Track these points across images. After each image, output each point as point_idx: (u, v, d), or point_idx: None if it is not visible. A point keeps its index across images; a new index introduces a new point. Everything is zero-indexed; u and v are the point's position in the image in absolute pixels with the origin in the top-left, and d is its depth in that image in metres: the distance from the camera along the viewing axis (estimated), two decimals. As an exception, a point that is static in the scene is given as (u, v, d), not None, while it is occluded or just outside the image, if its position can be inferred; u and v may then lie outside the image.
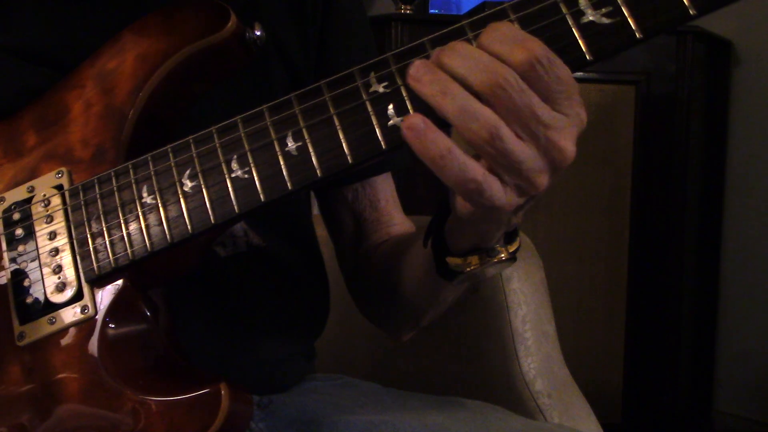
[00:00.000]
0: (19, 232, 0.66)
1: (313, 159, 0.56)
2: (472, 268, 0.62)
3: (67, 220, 0.64)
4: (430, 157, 0.50)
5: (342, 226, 0.90)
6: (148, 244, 0.61)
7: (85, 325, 0.62)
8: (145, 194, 0.62)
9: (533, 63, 0.48)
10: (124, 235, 0.62)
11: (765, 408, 2.37)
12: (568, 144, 0.50)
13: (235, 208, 0.59)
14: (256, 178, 0.58)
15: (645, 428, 2.28)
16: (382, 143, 0.55)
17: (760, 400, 2.37)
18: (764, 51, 2.36)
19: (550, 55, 0.49)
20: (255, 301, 0.83)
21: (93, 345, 0.61)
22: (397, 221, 0.89)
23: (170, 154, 0.62)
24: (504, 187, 0.51)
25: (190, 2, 0.67)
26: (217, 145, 0.60)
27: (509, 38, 0.49)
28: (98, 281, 0.63)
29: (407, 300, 0.78)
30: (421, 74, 0.50)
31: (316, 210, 0.97)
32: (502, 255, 0.62)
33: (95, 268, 0.62)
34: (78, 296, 0.62)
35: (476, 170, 0.50)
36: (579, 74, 0.52)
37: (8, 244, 0.66)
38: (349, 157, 0.56)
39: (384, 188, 0.90)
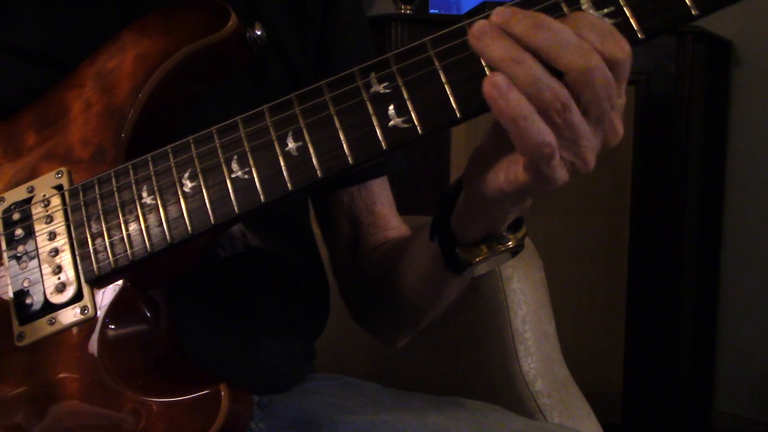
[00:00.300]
0: (18, 232, 0.65)
1: (314, 159, 0.56)
2: (482, 257, 0.62)
3: (66, 220, 0.64)
4: (513, 117, 0.49)
5: (337, 230, 0.90)
6: (148, 245, 0.61)
7: (85, 325, 0.62)
8: (145, 194, 0.62)
9: (626, 61, 0.50)
10: (124, 235, 0.62)
11: (765, 408, 2.37)
12: (621, 125, 0.53)
13: (235, 208, 0.59)
14: (256, 179, 0.58)
15: (645, 428, 2.28)
16: (383, 144, 0.55)
17: (760, 400, 2.37)
18: (764, 51, 2.36)
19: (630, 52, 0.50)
20: (255, 302, 0.83)
21: (93, 345, 0.61)
22: (393, 225, 0.89)
23: (170, 155, 0.61)
24: (563, 163, 0.52)
25: (190, 2, 0.67)
26: (218, 145, 0.60)
27: (603, 30, 0.49)
28: (98, 282, 0.62)
29: (407, 301, 0.78)
30: (488, 37, 0.50)
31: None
32: (510, 243, 0.62)
33: (95, 268, 0.62)
34: (78, 297, 0.62)
35: (551, 136, 0.50)
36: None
37: (8, 244, 0.65)
38: (349, 158, 0.55)
39: (381, 192, 0.90)
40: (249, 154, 0.58)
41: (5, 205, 0.67)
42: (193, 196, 0.60)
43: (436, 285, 0.72)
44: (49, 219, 0.65)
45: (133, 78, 0.66)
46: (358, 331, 0.96)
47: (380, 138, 0.55)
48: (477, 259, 0.63)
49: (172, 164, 0.61)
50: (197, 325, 0.76)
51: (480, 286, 1.04)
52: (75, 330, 0.62)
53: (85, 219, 0.63)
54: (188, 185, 0.60)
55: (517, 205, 0.58)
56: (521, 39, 0.50)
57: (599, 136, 0.52)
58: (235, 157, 0.59)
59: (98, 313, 0.62)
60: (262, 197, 0.58)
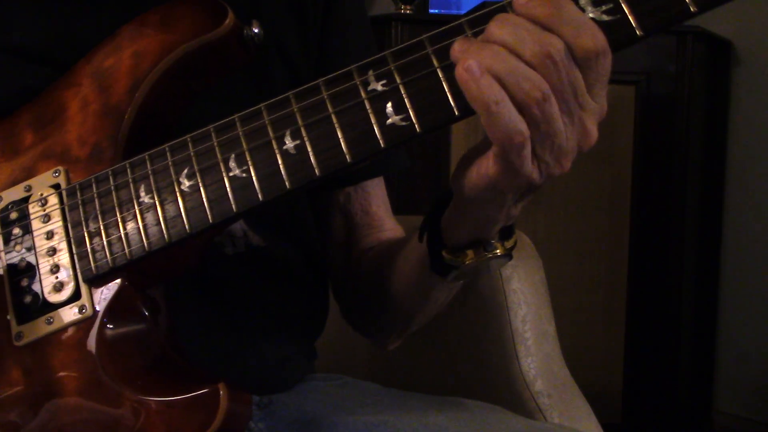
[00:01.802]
0: (16, 231, 0.65)
1: (312, 158, 0.56)
2: (468, 262, 0.62)
3: (64, 219, 0.64)
4: (485, 103, 0.50)
5: (332, 230, 0.90)
6: (145, 244, 0.61)
7: (83, 324, 0.61)
8: (142, 193, 0.62)
9: (598, 53, 0.50)
10: (122, 234, 0.62)
11: (765, 408, 2.36)
12: (594, 129, 0.52)
13: (233, 207, 0.58)
14: (254, 177, 0.58)
15: (645, 428, 2.27)
16: (381, 142, 0.55)
17: (760, 400, 2.37)
18: (764, 51, 2.36)
19: (607, 47, 0.50)
20: (255, 301, 0.82)
21: (91, 345, 0.61)
22: (387, 227, 0.89)
23: (168, 153, 0.61)
24: (534, 159, 0.52)
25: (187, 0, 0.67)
26: (215, 143, 0.60)
27: (576, 21, 0.50)
28: (96, 281, 0.62)
29: (397, 303, 0.78)
30: (466, 46, 0.51)
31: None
32: (498, 251, 0.62)
33: (93, 267, 0.62)
34: (76, 296, 0.62)
35: (524, 125, 0.50)
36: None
37: (5, 243, 0.65)
38: (347, 156, 0.55)
39: (376, 193, 0.90)
40: (247, 152, 0.58)
41: (2, 204, 0.66)
42: (191, 195, 0.60)
43: (423, 288, 0.72)
44: (47, 218, 0.64)
45: (131, 76, 0.66)
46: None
47: (378, 136, 0.55)
48: (463, 264, 0.63)
49: (170, 163, 0.61)
50: (196, 325, 0.76)
51: (480, 286, 1.03)
52: (73, 329, 0.62)
53: (82, 218, 0.63)
54: (186, 184, 0.60)
55: (496, 205, 0.58)
56: (498, 39, 0.50)
57: (573, 138, 0.52)
58: (233, 155, 0.59)
59: (96, 312, 0.61)
60: (260, 196, 0.58)
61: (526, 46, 0.49)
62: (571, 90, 0.50)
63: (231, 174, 0.59)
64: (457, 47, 0.51)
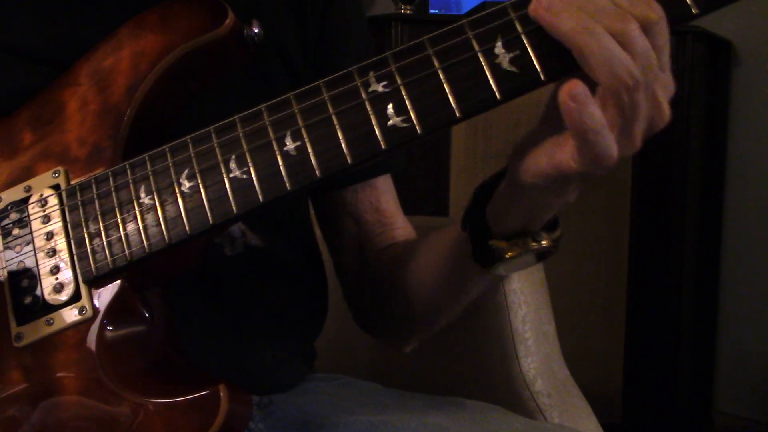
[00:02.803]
0: (16, 232, 0.65)
1: (312, 159, 0.56)
2: (514, 252, 0.61)
3: (64, 220, 0.64)
4: (584, 131, 0.48)
5: (341, 231, 0.89)
6: (146, 245, 0.61)
7: (83, 326, 0.61)
8: (142, 194, 0.61)
9: (660, 23, 0.48)
10: (122, 235, 0.61)
11: (765, 408, 2.36)
12: (667, 105, 0.51)
13: (234, 208, 0.58)
14: (254, 179, 0.58)
15: (645, 428, 2.28)
16: (382, 143, 0.54)
17: (760, 400, 2.37)
18: (764, 51, 2.36)
19: (663, 13, 0.49)
20: (254, 302, 0.82)
21: (91, 346, 0.61)
22: (399, 224, 0.88)
23: (168, 154, 0.61)
24: (616, 140, 0.50)
25: None
26: (216, 144, 0.59)
27: None
28: (96, 282, 0.62)
29: (425, 301, 0.76)
30: (558, 7, 0.48)
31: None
32: (545, 242, 0.61)
33: (93, 268, 0.62)
34: (76, 297, 0.62)
35: (608, 117, 0.49)
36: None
37: (5, 244, 0.65)
38: (348, 157, 0.55)
39: (386, 189, 0.88)
40: (247, 153, 0.58)
41: (2, 204, 0.66)
42: (191, 196, 0.60)
43: (459, 282, 0.70)
44: (47, 219, 0.64)
45: (130, 76, 0.66)
46: (358, 331, 0.96)
47: (379, 137, 0.54)
48: (509, 254, 0.61)
49: (170, 164, 0.61)
50: (196, 325, 0.76)
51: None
52: (73, 330, 0.61)
53: (82, 219, 0.63)
54: (186, 185, 0.60)
55: (559, 193, 0.56)
56: (587, 8, 0.48)
57: (648, 114, 0.50)
58: (234, 156, 0.59)
59: (96, 313, 0.61)
60: (260, 197, 0.58)
61: (610, 19, 0.48)
62: (647, 61, 0.48)
63: (231, 175, 0.59)
64: (545, 2, 0.49)
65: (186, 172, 0.60)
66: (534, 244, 0.60)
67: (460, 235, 0.65)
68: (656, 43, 0.49)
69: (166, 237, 0.60)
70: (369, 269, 0.87)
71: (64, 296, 0.62)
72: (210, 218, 0.59)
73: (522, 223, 0.60)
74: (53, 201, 0.64)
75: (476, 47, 0.52)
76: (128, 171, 0.62)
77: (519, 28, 0.52)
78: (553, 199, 0.57)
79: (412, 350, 0.87)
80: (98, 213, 0.63)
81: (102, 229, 0.62)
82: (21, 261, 0.64)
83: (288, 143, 0.57)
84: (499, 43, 0.52)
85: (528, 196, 0.58)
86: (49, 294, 0.63)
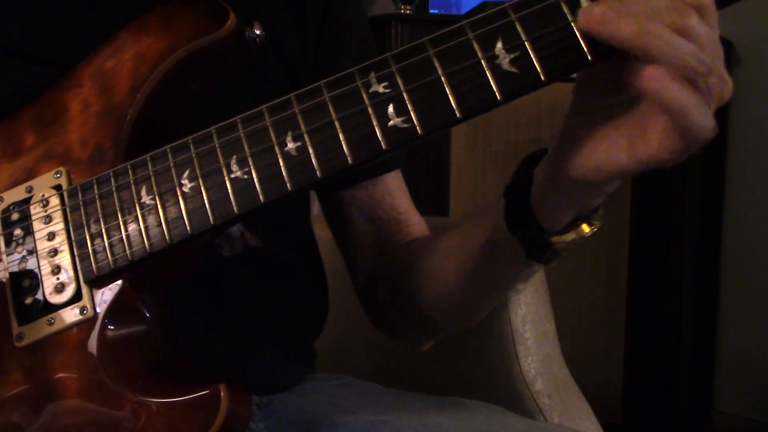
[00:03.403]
0: (17, 232, 0.65)
1: (313, 159, 0.56)
2: (572, 240, 0.60)
3: (65, 220, 0.64)
4: (680, 108, 0.47)
5: (354, 229, 0.88)
6: (147, 245, 0.61)
7: (84, 326, 0.61)
8: (144, 195, 0.62)
9: (711, 6, 0.48)
10: (123, 236, 0.62)
11: (765, 408, 2.37)
12: (728, 76, 0.49)
13: (235, 208, 0.58)
14: (255, 179, 0.58)
15: (645, 428, 2.28)
16: (383, 143, 0.55)
17: (760, 400, 2.37)
18: (764, 51, 2.36)
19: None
20: (254, 302, 0.82)
21: (92, 346, 0.61)
22: (414, 220, 0.87)
23: (169, 155, 0.61)
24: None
25: (188, 1, 0.67)
26: (217, 145, 0.60)
27: None
28: (97, 282, 0.62)
29: (456, 300, 0.75)
30: (612, 16, 0.47)
31: (315, 210, 0.96)
32: (597, 224, 0.60)
33: (94, 268, 0.62)
34: (77, 297, 0.62)
35: (712, 121, 0.48)
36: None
37: (7, 244, 0.65)
38: (349, 158, 0.55)
39: (397, 185, 0.87)
40: (248, 154, 0.58)
41: (4, 205, 0.66)
42: (193, 197, 0.60)
43: (496, 281, 0.69)
44: (48, 219, 0.64)
45: (132, 78, 0.66)
46: (358, 331, 0.96)
47: (380, 138, 0.55)
48: (566, 243, 0.60)
49: (171, 164, 0.61)
50: (197, 326, 0.76)
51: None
52: (74, 330, 0.62)
53: (84, 219, 0.63)
54: (187, 185, 0.60)
55: (612, 184, 0.56)
56: (638, 7, 0.47)
57: (719, 94, 0.49)
58: (235, 157, 0.59)
59: (97, 313, 0.61)
60: (261, 198, 0.58)
61: (667, 13, 0.47)
62: (713, 44, 0.48)
63: (232, 175, 0.59)
64: (596, 15, 0.48)
65: (187, 172, 0.60)
66: (588, 230, 0.60)
67: (495, 235, 0.64)
68: (712, 24, 0.48)
69: (167, 237, 0.60)
70: (387, 267, 0.85)
71: (65, 296, 0.62)
72: (211, 218, 0.59)
73: (574, 212, 0.59)
74: (55, 201, 0.65)
75: (477, 48, 0.53)
76: (130, 171, 0.62)
77: (519, 29, 0.52)
78: (606, 188, 0.57)
79: (428, 349, 0.86)
80: (100, 213, 0.63)
81: (103, 229, 0.62)
82: (22, 261, 0.64)
83: (289, 143, 0.57)
84: (499, 44, 0.52)
85: (584, 191, 0.57)
86: (51, 294, 0.63)
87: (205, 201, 0.59)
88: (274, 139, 0.57)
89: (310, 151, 0.56)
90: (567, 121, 0.55)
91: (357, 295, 0.91)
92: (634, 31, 0.47)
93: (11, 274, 0.64)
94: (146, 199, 0.61)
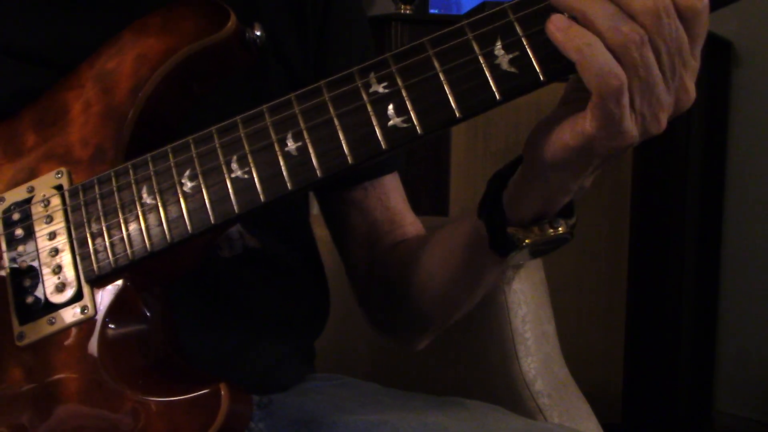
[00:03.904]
0: (18, 232, 0.65)
1: (313, 159, 0.56)
2: (531, 239, 0.61)
3: (66, 220, 0.64)
4: (577, 47, 0.50)
5: (351, 230, 0.88)
6: (147, 245, 0.61)
7: (85, 325, 0.62)
8: (144, 194, 0.62)
9: (700, 10, 0.50)
10: (124, 235, 0.62)
11: (765, 408, 2.37)
12: (692, 88, 0.52)
13: (235, 208, 0.59)
14: (255, 179, 0.58)
15: (645, 428, 2.28)
16: (383, 143, 0.55)
17: (760, 400, 2.37)
18: (764, 51, 2.36)
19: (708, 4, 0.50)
20: (254, 302, 0.83)
21: (93, 345, 0.61)
22: (409, 221, 0.88)
23: (170, 155, 0.62)
24: (633, 112, 0.51)
25: (189, 2, 0.67)
26: (217, 145, 0.60)
27: None
28: (98, 281, 0.62)
29: (440, 295, 0.76)
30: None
31: (315, 210, 0.96)
32: (561, 228, 0.61)
33: (95, 268, 0.62)
34: (78, 296, 0.62)
35: (620, 68, 0.50)
36: (579, 74, 0.52)
37: (8, 244, 0.65)
38: (349, 158, 0.56)
39: (394, 187, 0.88)
40: (249, 154, 0.58)
41: (5, 205, 0.67)
42: (193, 196, 0.60)
43: (473, 274, 0.70)
44: (49, 219, 0.65)
45: (133, 78, 0.66)
46: (358, 331, 0.96)
47: (380, 138, 0.55)
48: (527, 241, 0.61)
49: (172, 164, 0.61)
50: (197, 325, 0.76)
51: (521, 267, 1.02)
52: (75, 330, 0.62)
53: (85, 219, 0.63)
54: (188, 185, 0.60)
55: (576, 172, 0.57)
56: None
57: (672, 94, 0.52)
58: (235, 157, 0.59)
59: (98, 312, 0.62)
60: (261, 197, 0.58)
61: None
62: (676, 44, 0.50)
63: (233, 175, 0.59)
64: None
65: (188, 172, 0.60)
66: (551, 230, 0.61)
67: (475, 226, 0.65)
68: (694, 30, 0.51)
69: (167, 237, 0.60)
70: (380, 267, 0.86)
71: (66, 296, 0.63)
72: (212, 218, 0.59)
73: (538, 208, 0.60)
74: (56, 201, 0.65)
75: (476, 48, 0.53)
76: (131, 171, 0.63)
77: (518, 29, 0.52)
78: (570, 180, 0.58)
79: (423, 348, 0.87)
80: (100, 213, 0.63)
81: (104, 229, 0.63)
82: (23, 260, 0.64)
83: (289, 143, 0.57)
84: (498, 44, 0.52)
85: (545, 178, 0.58)
86: (52, 293, 0.63)
87: (206, 200, 0.59)
88: (274, 138, 0.58)
89: (311, 150, 0.57)
90: (548, 116, 0.57)
91: (354, 294, 0.92)
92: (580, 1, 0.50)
93: (12, 273, 0.65)
94: (147, 198, 0.62)
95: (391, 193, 0.88)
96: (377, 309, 0.90)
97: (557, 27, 0.50)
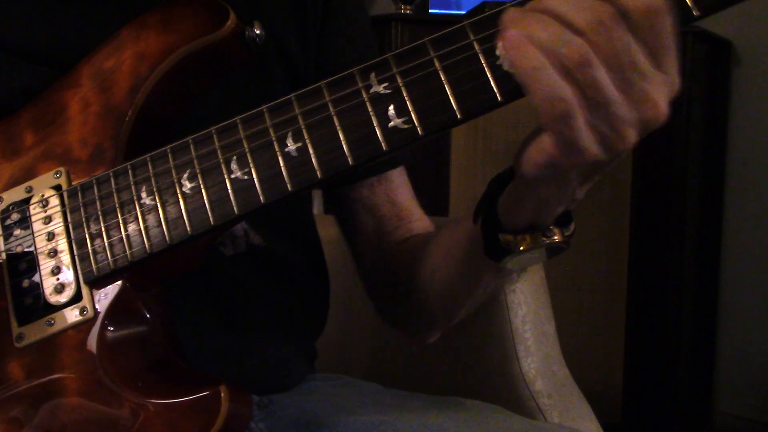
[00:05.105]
0: (17, 232, 0.65)
1: (314, 160, 0.56)
2: (525, 246, 0.60)
3: (65, 221, 0.64)
4: (524, 69, 0.48)
5: (359, 225, 0.88)
6: (147, 246, 0.61)
7: (84, 326, 0.61)
8: (144, 195, 0.62)
9: (650, 12, 0.47)
10: (123, 236, 0.62)
11: (765, 408, 2.37)
12: (661, 100, 0.49)
13: (235, 209, 0.58)
14: (255, 179, 0.58)
15: (645, 428, 2.28)
16: (383, 144, 0.55)
17: (760, 400, 2.37)
18: (764, 51, 2.36)
19: (663, 5, 0.48)
20: (255, 302, 0.82)
21: (92, 347, 0.61)
22: (416, 216, 0.87)
23: (169, 155, 0.61)
24: (590, 130, 0.49)
25: (188, 0, 0.67)
26: (217, 145, 0.60)
27: None
28: (97, 282, 0.62)
29: (442, 293, 0.76)
30: (515, 15, 0.49)
31: (315, 210, 0.96)
32: (556, 237, 0.60)
33: (94, 269, 0.62)
34: (77, 298, 0.62)
35: (567, 91, 0.48)
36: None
37: (6, 244, 0.65)
38: (349, 159, 0.55)
39: (401, 182, 0.88)
40: (248, 154, 0.58)
41: (3, 205, 0.66)
42: (193, 197, 0.60)
43: (473, 276, 0.70)
44: (48, 219, 0.64)
45: (132, 77, 0.66)
46: (358, 331, 0.96)
47: (380, 139, 0.55)
48: (521, 248, 0.60)
49: (172, 165, 0.61)
50: (197, 325, 0.76)
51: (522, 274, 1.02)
52: (74, 331, 0.62)
53: (84, 220, 0.63)
54: (187, 186, 0.60)
55: (558, 185, 0.56)
56: (551, 10, 0.49)
57: (632, 107, 0.49)
58: (235, 157, 0.59)
59: (97, 314, 0.61)
60: (261, 198, 0.58)
61: (575, 13, 0.48)
62: (626, 56, 0.48)
63: (232, 176, 0.59)
64: (507, 16, 0.50)
65: (187, 173, 0.60)
66: (544, 239, 0.60)
67: (473, 229, 0.65)
68: (650, 37, 0.48)
69: (167, 237, 0.60)
70: (388, 263, 0.86)
71: (65, 297, 0.62)
72: (211, 219, 0.59)
73: (531, 217, 0.60)
74: (54, 202, 0.65)
75: (477, 49, 0.53)
76: (130, 172, 0.62)
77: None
78: (556, 192, 0.57)
79: (423, 348, 0.86)
80: (99, 214, 0.63)
81: (103, 229, 0.62)
82: (22, 262, 0.64)
83: (289, 144, 0.57)
84: (500, 45, 0.52)
85: (532, 189, 0.57)
86: (51, 294, 0.63)
87: (206, 201, 0.59)
88: (274, 139, 0.57)
89: (311, 151, 0.56)
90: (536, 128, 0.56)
91: (365, 290, 0.91)
92: (514, 16, 0.49)
93: (11, 274, 0.64)
94: (146, 199, 0.61)
95: (398, 189, 0.87)
96: (386, 303, 0.90)
97: (509, 44, 0.49)
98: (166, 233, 0.60)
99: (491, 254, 0.63)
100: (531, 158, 0.53)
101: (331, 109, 0.56)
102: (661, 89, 0.49)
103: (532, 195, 0.58)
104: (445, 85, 0.53)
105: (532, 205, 0.59)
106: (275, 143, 0.57)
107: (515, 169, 0.57)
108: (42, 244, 0.64)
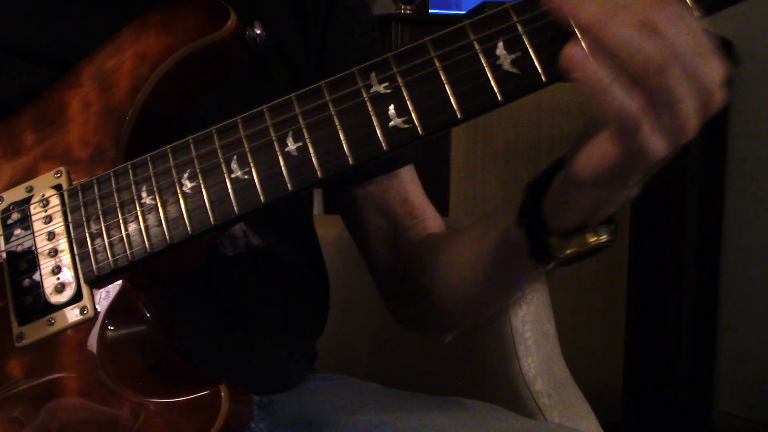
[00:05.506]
0: (17, 232, 0.65)
1: (314, 160, 0.56)
2: (573, 249, 0.59)
3: (66, 220, 0.64)
4: (592, 89, 0.47)
5: (370, 224, 0.87)
6: (147, 245, 0.61)
7: (84, 326, 0.62)
8: (144, 195, 0.62)
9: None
10: (124, 236, 0.62)
11: (765, 408, 2.36)
12: (718, 81, 0.48)
13: (235, 209, 0.59)
14: (256, 179, 0.58)
15: (645, 428, 2.28)
16: (383, 144, 0.55)
17: (761, 400, 2.37)
18: (764, 51, 2.36)
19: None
20: (255, 302, 0.82)
21: (92, 346, 0.61)
22: (429, 214, 0.86)
23: (170, 155, 0.61)
24: (658, 131, 0.48)
25: (189, 0, 0.67)
26: (217, 145, 0.60)
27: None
28: (97, 282, 0.62)
29: (471, 296, 0.75)
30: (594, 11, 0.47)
31: (316, 210, 0.96)
32: (604, 237, 0.58)
33: (94, 269, 0.62)
34: (77, 297, 0.62)
35: (636, 103, 0.47)
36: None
37: (7, 244, 0.65)
38: (349, 158, 0.55)
39: (411, 180, 0.87)
40: (249, 154, 0.58)
41: (4, 204, 0.67)
42: (193, 197, 0.60)
43: (508, 278, 0.69)
44: (48, 219, 0.64)
45: (133, 77, 0.66)
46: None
47: (380, 138, 0.55)
48: (569, 251, 0.59)
49: (172, 165, 0.61)
50: (197, 325, 0.76)
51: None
52: (74, 330, 0.62)
53: (84, 219, 0.63)
54: (188, 185, 0.60)
55: (619, 188, 0.55)
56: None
57: (696, 98, 0.48)
58: (235, 157, 0.59)
59: (97, 313, 0.61)
60: (261, 198, 0.58)
61: (647, 12, 0.46)
62: (694, 46, 0.47)
63: (233, 175, 0.59)
64: (582, 15, 0.47)
65: (188, 172, 0.60)
66: (593, 240, 0.58)
67: (509, 230, 0.63)
68: (686, 27, 0.47)
69: (167, 237, 0.60)
70: (405, 263, 0.84)
71: (65, 296, 0.62)
72: (211, 218, 0.59)
73: (583, 217, 0.58)
74: (55, 201, 0.65)
75: (477, 48, 0.53)
76: (130, 171, 0.63)
77: (520, 29, 0.52)
78: (615, 194, 0.56)
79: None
80: (100, 213, 0.63)
81: (103, 229, 0.62)
82: (22, 261, 0.64)
83: (289, 144, 0.57)
84: (500, 45, 0.52)
85: (586, 191, 0.56)
86: (51, 294, 0.63)
87: (206, 201, 0.59)
88: (274, 139, 0.58)
89: (311, 151, 0.56)
90: (586, 124, 0.54)
91: (378, 290, 0.90)
92: (593, 15, 0.46)
93: (11, 273, 0.64)
94: (146, 198, 0.61)
95: (408, 186, 0.86)
96: (401, 304, 0.89)
97: (573, 61, 0.47)
98: (166, 233, 0.60)
99: (538, 258, 0.61)
100: (591, 162, 0.51)
101: (331, 108, 0.56)
102: (718, 70, 0.48)
103: (586, 197, 0.56)
104: (446, 85, 0.53)
105: (585, 206, 0.57)
106: (275, 143, 0.57)
107: (569, 173, 0.54)
108: (42, 244, 0.64)
